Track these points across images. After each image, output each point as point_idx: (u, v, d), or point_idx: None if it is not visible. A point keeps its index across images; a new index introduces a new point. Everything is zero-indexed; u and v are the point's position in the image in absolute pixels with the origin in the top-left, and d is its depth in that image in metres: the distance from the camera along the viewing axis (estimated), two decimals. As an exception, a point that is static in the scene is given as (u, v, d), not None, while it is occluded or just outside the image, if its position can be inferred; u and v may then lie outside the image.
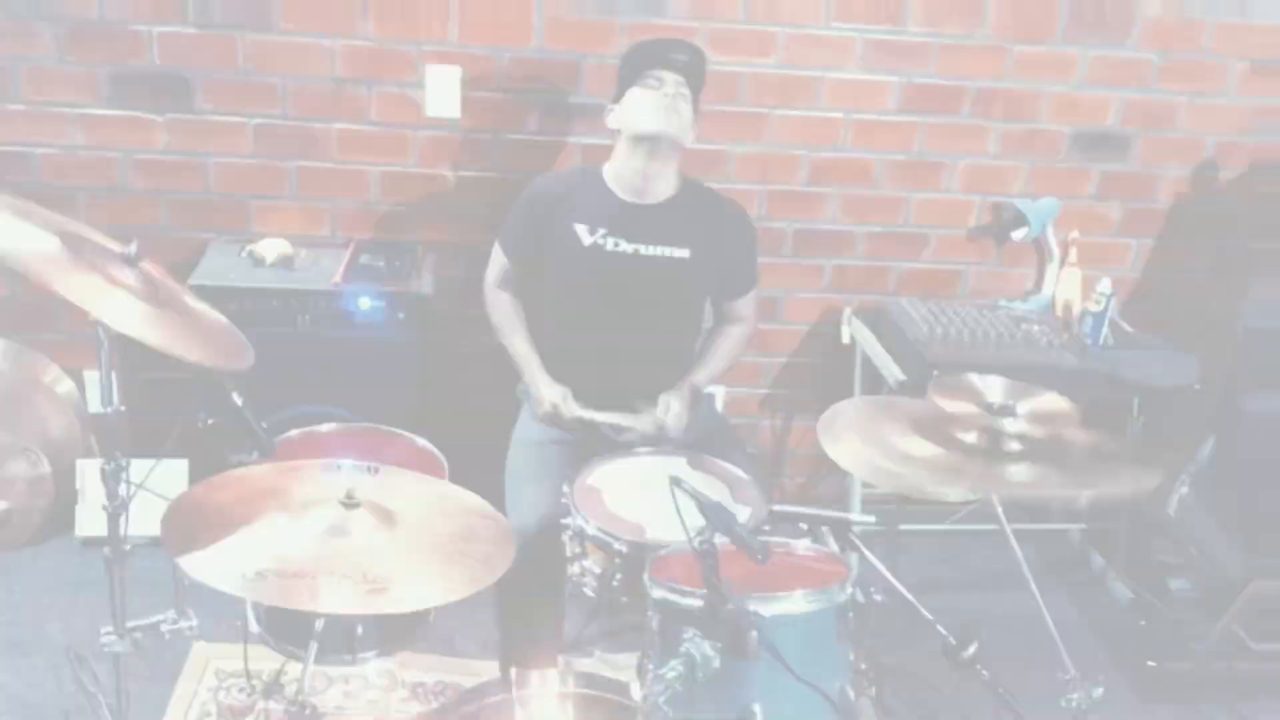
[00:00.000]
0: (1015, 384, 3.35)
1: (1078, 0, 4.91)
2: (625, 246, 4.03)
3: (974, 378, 3.37)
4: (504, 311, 4.27)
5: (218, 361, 2.87)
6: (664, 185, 4.10)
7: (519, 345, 4.20)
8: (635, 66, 4.09)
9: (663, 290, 4.08)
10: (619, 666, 4.39)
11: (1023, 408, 3.17)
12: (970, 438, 3.14)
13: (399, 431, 3.75)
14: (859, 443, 3.19)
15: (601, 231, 4.03)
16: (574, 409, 3.95)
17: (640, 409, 4.02)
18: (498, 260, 4.30)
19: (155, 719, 4.03)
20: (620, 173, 4.11)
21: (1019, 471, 3.03)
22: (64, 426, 4.92)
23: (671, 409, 3.98)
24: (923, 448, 3.11)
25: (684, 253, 4.08)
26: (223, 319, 3.16)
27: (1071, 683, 3.14)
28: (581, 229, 4.03)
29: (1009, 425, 3.10)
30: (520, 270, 4.23)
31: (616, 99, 4.14)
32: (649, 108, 3.98)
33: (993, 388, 3.31)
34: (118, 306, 2.68)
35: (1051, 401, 3.28)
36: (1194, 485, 5.15)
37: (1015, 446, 3.12)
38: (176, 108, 4.66)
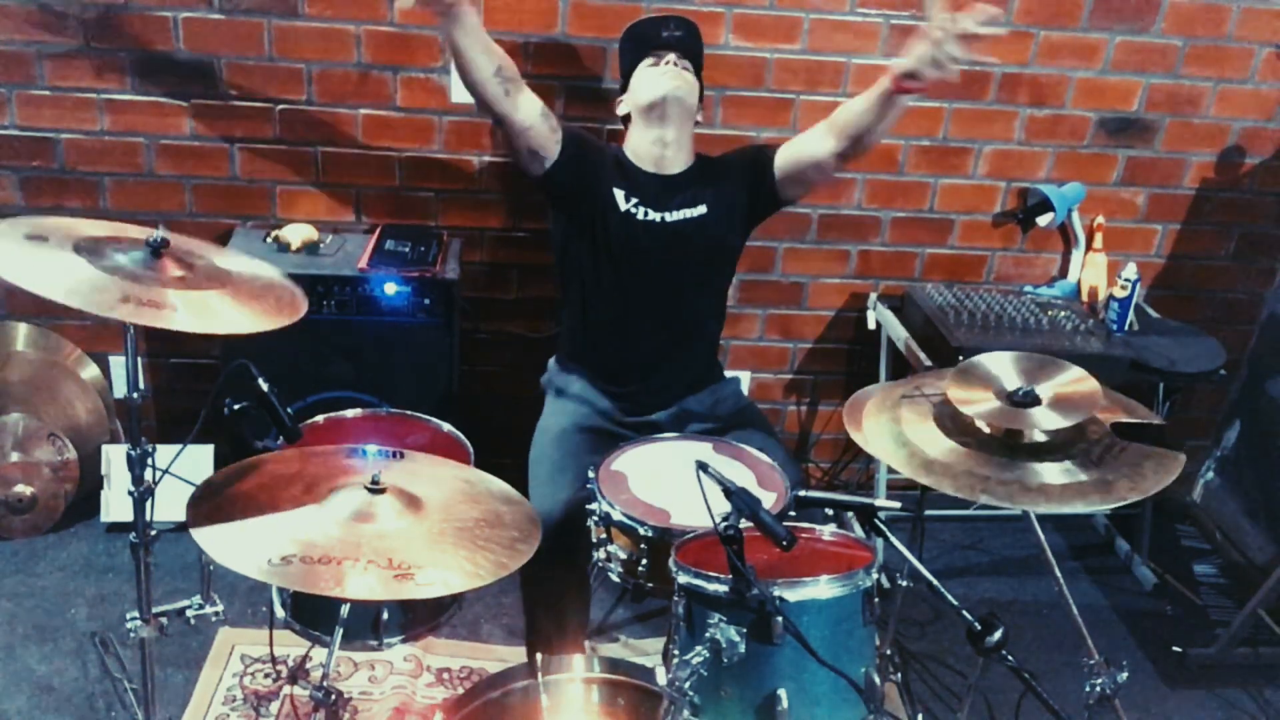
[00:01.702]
0: (1031, 360, 3.34)
1: (1103, -15, 4.90)
2: (653, 215, 4.03)
3: (988, 361, 3.35)
4: None
5: (268, 323, 2.87)
6: (681, 156, 4.11)
7: None
8: (633, 51, 4.15)
9: (687, 252, 4.07)
10: (644, 652, 4.42)
11: (1044, 391, 3.16)
12: (992, 432, 3.14)
13: (424, 417, 3.76)
14: (885, 442, 3.20)
15: (634, 200, 4.03)
16: None
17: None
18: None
19: (180, 704, 4.04)
20: (637, 149, 4.12)
21: (1046, 471, 3.02)
22: (90, 412, 4.94)
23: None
24: (944, 448, 3.11)
25: (701, 209, 4.08)
26: (269, 272, 3.19)
27: (1096, 668, 3.15)
28: (619, 194, 4.03)
29: (1033, 417, 3.10)
30: (543, 142, 3.99)
31: (623, 89, 4.18)
32: (653, 77, 4.02)
33: (1009, 371, 3.29)
34: (150, 311, 2.69)
35: (1075, 380, 3.26)
36: (1219, 471, 5.15)
37: (1040, 437, 3.12)
38: (201, 93, 4.67)
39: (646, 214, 4.03)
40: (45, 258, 2.75)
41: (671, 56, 4.05)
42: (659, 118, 4.01)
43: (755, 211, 4.23)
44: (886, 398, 3.39)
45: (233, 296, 2.90)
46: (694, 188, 4.10)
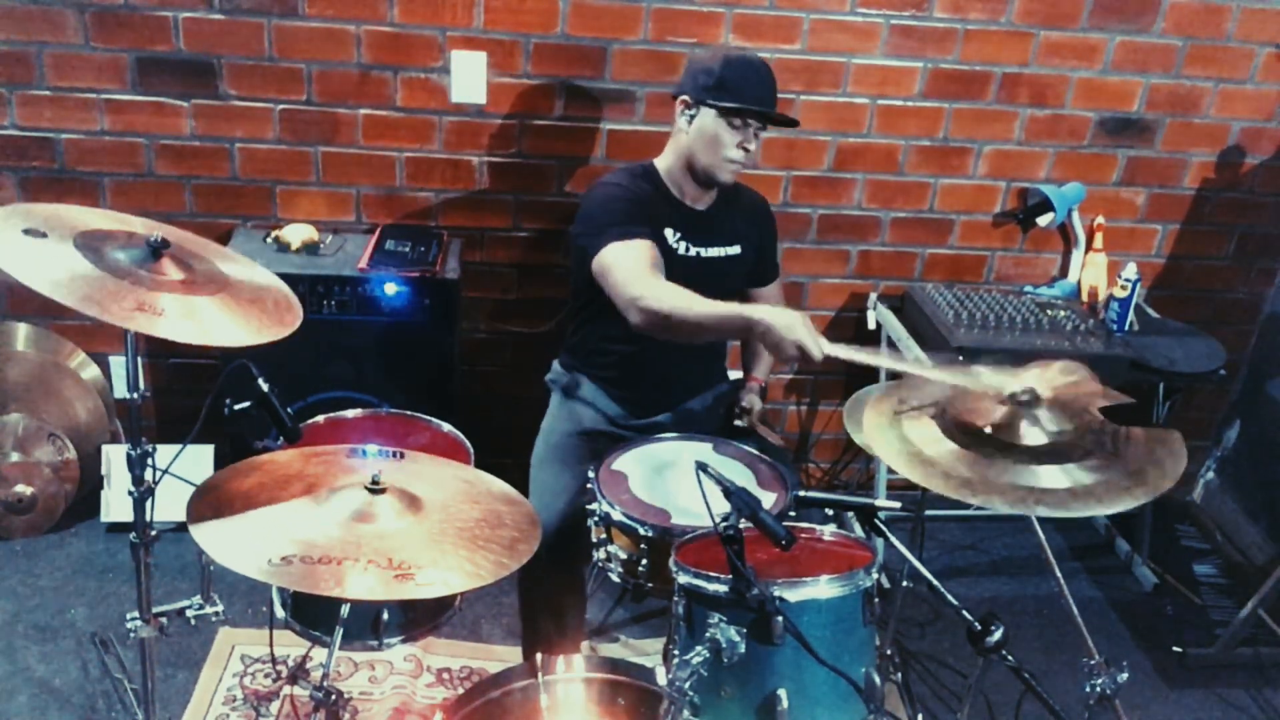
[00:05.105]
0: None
1: (1103, -15, 4.90)
2: (693, 251, 3.98)
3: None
4: (672, 289, 3.62)
5: (259, 335, 2.86)
6: (709, 194, 4.06)
7: (709, 307, 3.52)
8: (735, 94, 3.80)
9: (720, 288, 4.04)
10: (644, 652, 4.42)
11: (1042, 388, 3.14)
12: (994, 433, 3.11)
13: (424, 417, 3.75)
14: (884, 442, 3.18)
15: (677, 236, 3.97)
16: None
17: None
18: (636, 250, 3.76)
19: (180, 704, 4.04)
20: (681, 183, 4.01)
21: (1047, 474, 2.99)
22: (90, 412, 4.94)
23: (755, 409, 4.17)
24: (947, 452, 3.09)
25: (736, 249, 4.07)
26: (268, 278, 3.18)
27: (1096, 668, 3.14)
28: (669, 233, 3.95)
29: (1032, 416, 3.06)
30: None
31: (695, 100, 3.84)
32: (727, 158, 3.85)
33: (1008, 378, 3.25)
34: (145, 317, 2.68)
35: (1069, 372, 3.24)
36: (1219, 471, 5.15)
37: (1041, 439, 3.10)
38: (202, 93, 4.66)
39: (688, 249, 3.97)
40: (43, 252, 2.74)
41: (756, 128, 3.86)
42: (706, 183, 3.96)
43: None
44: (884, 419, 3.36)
45: (227, 303, 2.89)
46: (728, 224, 4.09)
